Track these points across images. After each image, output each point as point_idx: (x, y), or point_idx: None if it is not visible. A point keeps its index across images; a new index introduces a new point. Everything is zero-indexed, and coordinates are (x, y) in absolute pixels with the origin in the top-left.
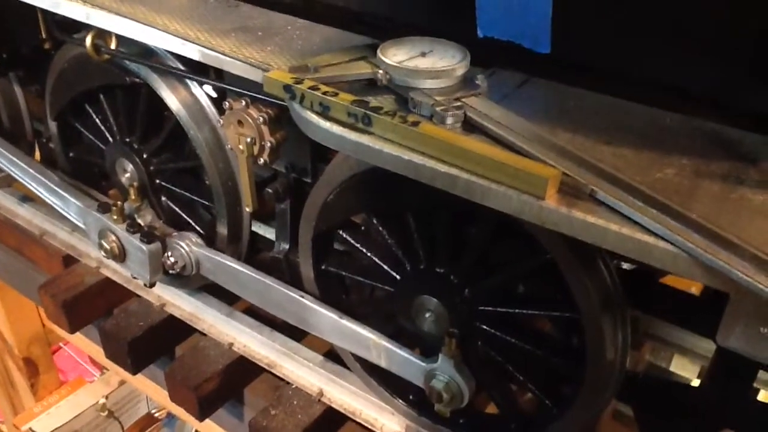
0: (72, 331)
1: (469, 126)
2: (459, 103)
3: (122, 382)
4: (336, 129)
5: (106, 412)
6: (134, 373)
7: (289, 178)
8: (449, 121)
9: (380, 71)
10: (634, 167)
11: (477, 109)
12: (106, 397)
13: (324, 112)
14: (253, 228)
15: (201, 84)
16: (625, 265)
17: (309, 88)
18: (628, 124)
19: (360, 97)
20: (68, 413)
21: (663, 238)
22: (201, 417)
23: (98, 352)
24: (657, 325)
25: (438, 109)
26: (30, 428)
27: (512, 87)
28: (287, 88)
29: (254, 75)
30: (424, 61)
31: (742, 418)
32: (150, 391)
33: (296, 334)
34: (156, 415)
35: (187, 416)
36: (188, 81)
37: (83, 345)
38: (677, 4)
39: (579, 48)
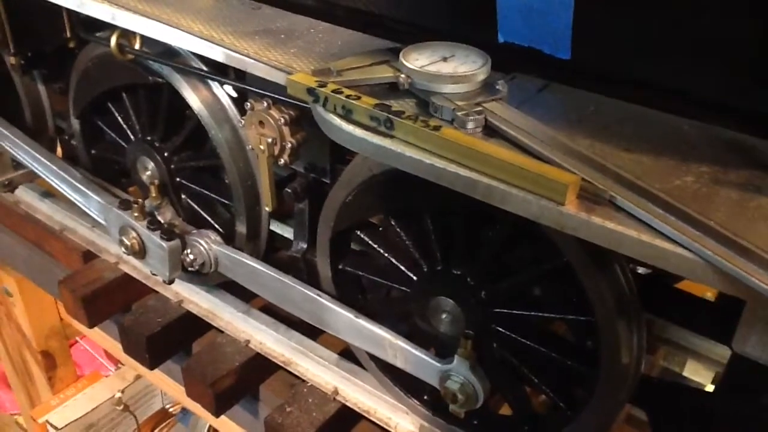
0: (91, 326)
1: (490, 131)
2: (480, 108)
3: (138, 377)
4: (359, 132)
5: (122, 406)
6: (152, 368)
7: (308, 178)
8: (470, 125)
9: (402, 75)
10: (653, 174)
11: (497, 114)
12: (122, 392)
13: (347, 116)
14: (272, 227)
15: (222, 84)
16: (641, 270)
17: (332, 91)
18: (647, 131)
19: (382, 101)
20: (84, 407)
21: (681, 245)
22: (217, 413)
23: (116, 347)
24: (671, 330)
25: (459, 113)
26: (47, 420)
27: (532, 92)
28: (311, 91)
29: (277, 77)
30: (446, 66)
31: (756, 426)
32: (166, 386)
33: (312, 332)
34: (170, 410)
35: (203, 412)
36: (210, 81)
37: (101, 340)
38: (694, 12)
39: (599, 54)
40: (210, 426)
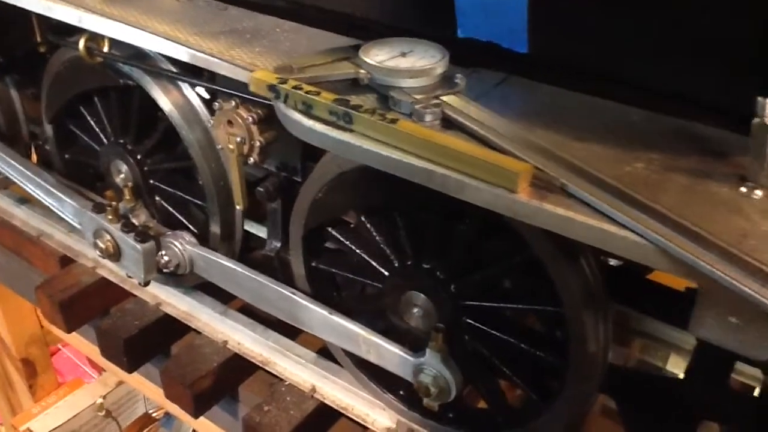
0: (69, 331)
1: (448, 123)
2: (437, 101)
3: (120, 383)
4: (318, 127)
5: (104, 412)
6: (130, 372)
7: (280, 177)
8: (428, 118)
9: (362, 71)
10: (604, 162)
11: (455, 107)
12: (104, 397)
13: (307, 111)
14: (247, 227)
15: (192, 85)
16: (613, 262)
17: (293, 87)
18: (601, 121)
19: (342, 96)
20: (66, 413)
21: (629, 229)
22: (196, 414)
23: (95, 352)
24: (645, 322)
25: (417, 107)
26: (28, 428)
27: (491, 85)
28: (272, 87)
29: (242, 76)
30: (404, 61)
31: (721, 409)
32: (147, 389)
33: (290, 331)
34: (154, 415)
35: (182, 413)
36: (180, 83)
37: (80, 345)
38: (642, 3)
39: (554, 48)
40: (193, 430)
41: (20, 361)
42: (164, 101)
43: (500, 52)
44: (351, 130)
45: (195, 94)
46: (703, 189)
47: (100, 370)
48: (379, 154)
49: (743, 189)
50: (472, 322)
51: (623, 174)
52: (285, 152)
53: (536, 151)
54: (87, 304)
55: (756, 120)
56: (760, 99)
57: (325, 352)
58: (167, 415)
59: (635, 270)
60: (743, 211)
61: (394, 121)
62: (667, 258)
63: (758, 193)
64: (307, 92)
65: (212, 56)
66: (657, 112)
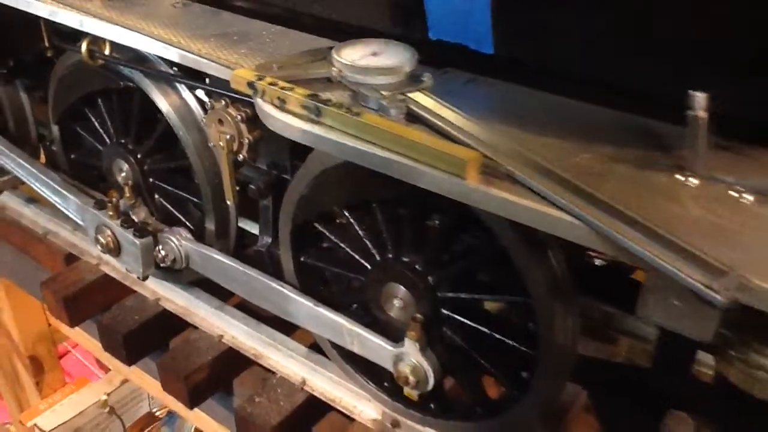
0: (72, 326)
1: (412, 117)
2: (402, 97)
3: (124, 381)
4: (291, 120)
5: (108, 408)
6: (129, 365)
7: (271, 176)
8: (393, 112)
9: (335, 69)
10: (555, 153)
11: (419, 103)
12: (108, 395)
13: (281, 106)
14: (243, 225)
15: (188, 86)
16: (598, 262)
17: (269, 84)
18: (558, 117)
19: (315, 93)
20: (72, 410)
21: (569, 213)
22: (191, 405)
23: (97, 348)
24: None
25: (383, 102)
26: (35, 424)
27: (459, 84)
28: (250, 84)
29: (226, 75)
30: (375, 60)
31: (686, 398)
32: (146, 384)
33: (283, 327)
34: (157, 413)
35: (178, 405)
36: (178, 85)
37: (84, 341)
38: (593, 7)
39: (516, 48)
40: (195, 428)
41: (28, 358)
42: (162, 103)
43: (470, 54)
44: (320, 123)
45: (192, 97)
46: (643, 177)
47: (107, 371)
48: (344, 144)
49: (680, 177)
50: (449, 313)
51: (571, 164)
52: (275, 152)
53: (489, 143)
54: (90, 300)
55: (690, 113)
56: (693, 93)
57: (316, 347)
58: (170, 414)
59: (620, 269)
60: (678, 197)
61: (358, 114)
62: (600, 238)
63: (693, 180)
64: (282, 88)
65: (200, 56)
66: (613, 108)
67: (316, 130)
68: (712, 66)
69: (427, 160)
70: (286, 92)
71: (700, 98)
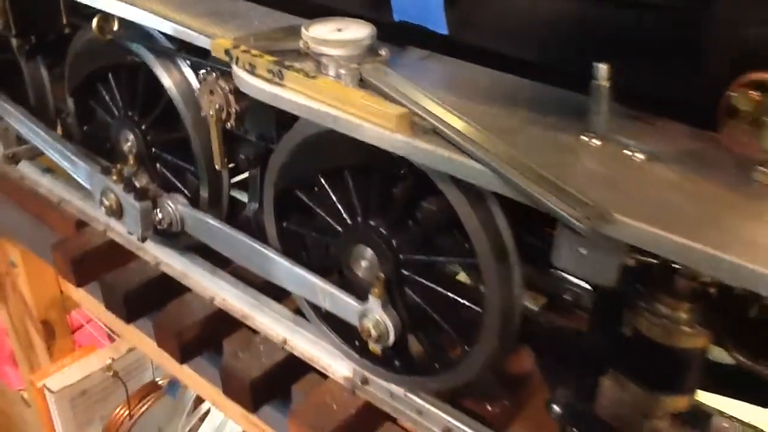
0: (79, 285)
1: (364, 84)
2: (357, 66)
3: (130, 350)
4: (259, 83)
5: (112, 372)
6: (128, 322)
7: (259, 146)
8: (347, 79)
9: (302, 41)
10: (480, 116)
11: (371, 72)
12: (113, 360)
13: (252, 70)
14: (235, 194)
15: (185, 60)
16: None
17: (242, 51)
18: (495, 89)
19: (281, 59)
20: (79, 373)
21: (475, 159)
22: (182, 361)
23: (101, 309)
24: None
25: (340, 70)
26: (44, 385)
27: (414, 60)
28: (227, 51)
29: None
30: (337, 35)
31: (619, 360)
32: (144, 344)
33: (270, 292)
34: (160, 382)
35: (170, 361)
36: (179, 61)
37: (90, 304)
38: None
39: (466, 29)
40: (196, 396)
41: (40, 322)
42: (164, 77)
43: (429, 34)
44: (283, 85)
45: (191, 72)
46: (551, 136)
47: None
48: (301, 103)
49: (585, 138)
50: (410, 273)
51: (491, 125)
52: (263, 125)
53: (421, 104)
54: (96, 262)
55: (593, 82)
56: (596, 65)
57: (300, 312)
58: (171, 382)
59: None
60: (576, 152)
61: (314, 77)
62: (499, 181)
63: (596, 141)
64: (252, 55)
65: (192, 30)
66: (543, 83)
67: (278, 91)
68: (627, 48)
69: (366, 116)
70: (256, 59)
71: (602, 69)
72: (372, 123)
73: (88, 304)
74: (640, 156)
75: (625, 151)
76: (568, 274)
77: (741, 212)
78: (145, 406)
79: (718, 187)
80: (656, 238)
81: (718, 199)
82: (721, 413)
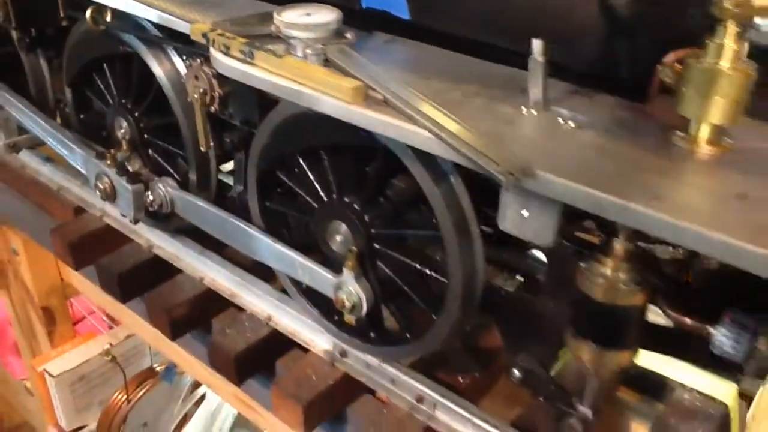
0: (76, 268)
1: (328, 63)
2: (322, 47)
3: (129, 336)
4: (233, 63)
5: (110, 357)
6: (123, 302)
7: (243, 131)
8: (312, 58)
9: (274, 26)
10: (431, 90)
11: (335, 52)
12: (112, 345)
13: (227, 51)
14: (223, 178)
15: (174, 49)
16: None
17: (218, 34)
18: (447, 67)
19: (252, 41)
20: (78, 359)
21: (422, 127)
22: (173, 337)
23: (97, 292)
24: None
25: (307, 50)
26: (45, 369)
27: (379, 43)
28: (204, 34)
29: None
30: (306, 19)
31: (572, 319)
32: (136, 323)
33: (258, 273)
34: (157, 368)
35: (161, 339)
36: (168, 50)
37: (86, 288)
38: None
39: (423, 14)
40: (192, 382)
41: (41, 309)
42: (155, 65)
43: (394, 19)
44: (254, 64)
45: (180, 60)
46: (493, 108)
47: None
48: (267, 79)
49: (524, 109)
50: (380, 247)
51: (439, 98)
52: (247, 110)
53: (376, 78)
54: (92, 246)
55: (531, 57)
56: (533, 40)
57: (284, 291)
58: (168, 368)
59: None
60: (513, 121)
61: (281, 56)
62: (441, 145)
63: (533, 112)
64: (227, 38)
65: (176, 17)
66: (495, 62)
67: (249, 69)
68: (573, 30)
69: (325, 89)
70: (230, 41)
71: (537, 44)
72: (330, 96)
73: (85, 287)
74: (570, 125)
75: (558, 120)
76: (513, 235)
77: (652, 170)
78: (143, 391)
79: (639, 150)
80: (572, 191)
81: (635, 160)
82: (683, 386)
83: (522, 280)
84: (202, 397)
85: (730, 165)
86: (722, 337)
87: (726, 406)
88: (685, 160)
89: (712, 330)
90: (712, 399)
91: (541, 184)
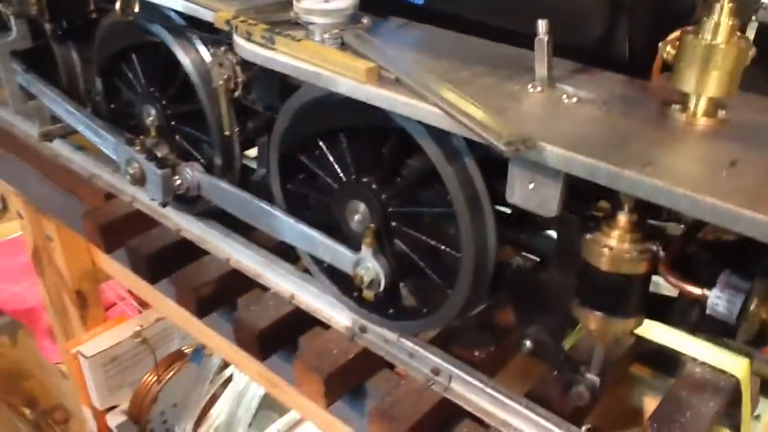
0: (107, 252)
1: (344, 46)
2: (338, 31)
3: (159, 319)
4: (255, 48)
5: (141, 339)
6: (152, 283)
7: (266, 116)
8: (329, 42)
9: (294, 12)
10: (441, 70)
11: (351, 36)
12: (142, 327)
13: (249, 38)
14: (247, 163)
15: (199, 37)
16: None
17: (240, 21)
18: (458, 49)
19: (274, 27)
20: (110, 341)
21: (430, 103)
22: (199, 315)
23: (128, 273)
24: None
25: (324, 35)
26: (78, 351)
27: (393, 28)
28: (227, 21)
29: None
30: (323, 5)
31: (576, 290)
32: (164, 305)
33: (281, 254)
34: (186, 350)
35: (188, 318)
36: (194, 38)
37: (118, 272)
38: None
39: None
40: (220, 364)
41: (74, 292)
42: (181, 55)
43: (408, 5)
44: (274, 49)
45: (204, 48)
46: (500, 86)
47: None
48: (287, 63)
49: (530, 87)
50: (398, 224)
51: (448, 77)
52: (269, 96)
53: (389, 59)
54: (122, 230)
55: (537, 37)
56: (539, 21)
57: (307, 271)
58: (196, 350)
59: None
60: (518, 98)
61: (300, 40)
62: (448, 119)
63: (539, 89)
64: (249, 24)
65: (199, 6)
66: (505, 44)
67: (270, 54)
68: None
69: (341, 70)
70: (252, 27)
71: (542, 24)
72: (346, 76)
73: (115, 271)
74: (572, 101)
75: (562, 96)
76: (520, 207)
77: (648, 140)
78: (172, 372)
79: (637, 122)
80: (569, 159)
81: (632, 131)
82: (694, 360)
83: (536, 259)
84: (229, 379)
85: (723, 135)
86: (716, 299)
87: (737, 379)
88: (680, 131)
89: (707, 292)
90: (723, 372)
91: (542, 154)
